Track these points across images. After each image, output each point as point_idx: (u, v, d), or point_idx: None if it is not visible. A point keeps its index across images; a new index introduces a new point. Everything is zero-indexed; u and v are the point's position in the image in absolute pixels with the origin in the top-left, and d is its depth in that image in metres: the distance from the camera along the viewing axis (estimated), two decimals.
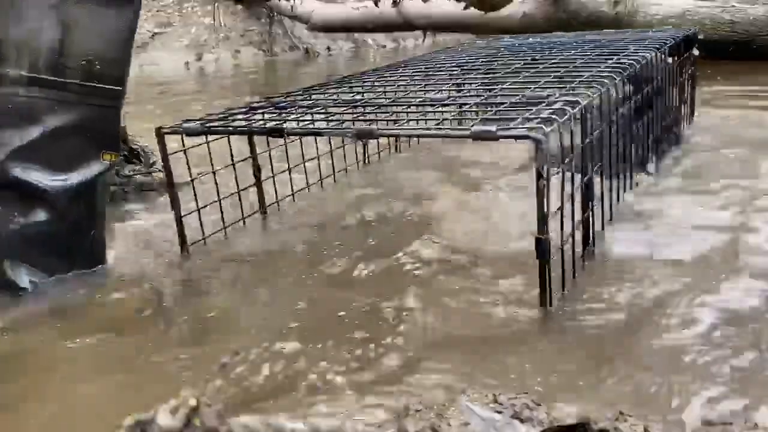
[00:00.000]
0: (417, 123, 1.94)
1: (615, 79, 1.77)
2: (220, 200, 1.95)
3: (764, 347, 1.20)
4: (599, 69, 1.90)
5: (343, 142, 2.36)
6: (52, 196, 1.65)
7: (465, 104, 1.78)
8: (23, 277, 1.65)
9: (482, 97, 1.76)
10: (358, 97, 1.90)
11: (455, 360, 1.23)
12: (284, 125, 1.68)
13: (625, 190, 1.96)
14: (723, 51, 4.44)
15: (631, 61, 1.96)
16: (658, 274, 1.52)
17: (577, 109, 1.50)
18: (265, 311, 1.51)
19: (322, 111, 1.81)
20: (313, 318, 1.44)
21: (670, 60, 2.26)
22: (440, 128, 1.55)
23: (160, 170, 2.26)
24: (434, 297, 1.48)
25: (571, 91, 1.66)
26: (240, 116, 1.81)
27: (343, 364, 1.22)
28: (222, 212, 1.94)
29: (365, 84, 2.14)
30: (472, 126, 1.41)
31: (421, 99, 1.82)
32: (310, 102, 1.90)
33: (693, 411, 1.04)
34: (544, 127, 1.35)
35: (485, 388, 1.08)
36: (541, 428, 0.81)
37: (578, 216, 1.54)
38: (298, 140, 2.24)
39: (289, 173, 2.20)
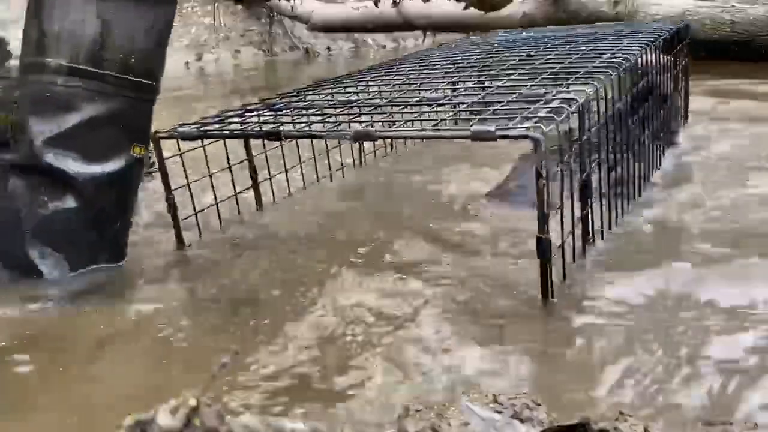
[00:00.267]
0: (414, 124, 1.93)
1: (611, 75, 1.76)
2: (217, 204, 1.94)
3: None
4: (594, 65, 1.89)
5: (339, 143, 2.35)
6: (82, 184, 1.67)
7: (462, 104, 1.78)
8: (46, 264, 1.67)
9: (479, 96, 1.76)
10: (354, 97, 1.90)
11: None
12: (281, 128, 1.68)
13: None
14: (723, 51, 4.43)
15: (626, 56, 1.96)
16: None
17: (575, 106, 1.50)
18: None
19: (318, 113, 1.81)
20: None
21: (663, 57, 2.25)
22: (438, 129, 1.55)
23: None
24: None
25: (566, 89, 1.66)
26: (235, 119, 1.81)
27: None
28: (219, 215, 1.94)
29: (360, 84, 2.13)
30: (471, 126, 1.41)
31: (417, 99, 1.82)
32: (306, 103, 1.90)
33: (693, 411, 1.04)
34: (542, 126, 1.35)
35: (485, 389, 1.08)
36: (541, 428, 0.81)
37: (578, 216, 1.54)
38: (294, 141, 2.24)
39: (286, 174, 2.19)
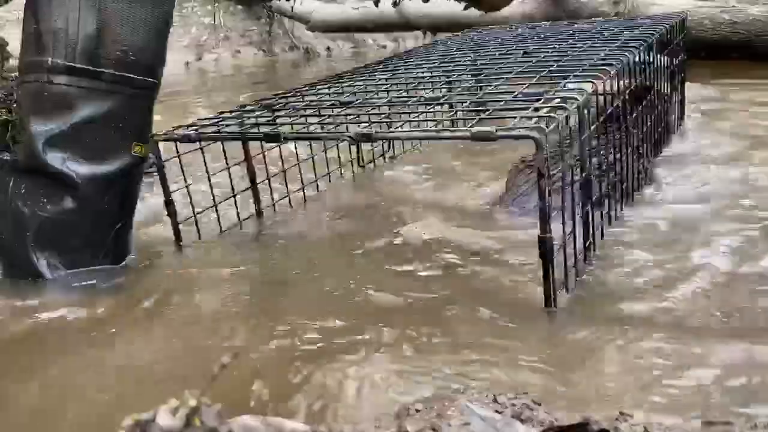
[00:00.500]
0: (417, 124, 1.93)
1: (610, 72, 1.76)
2: (216, 205, 1.94)
3: None
4: (592, 62, 1.89)
5: (337, 143, 2.34)
6: (81, 184, 1.66)
7: (462, 103, 1.78)
8: (46, 266, 1.66)
9: (478, 96, 1.75)
10: (352, 98, 1.89)
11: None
12: (279, 129, 1.67)
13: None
14: (723, 51, 4.43)
15: (624, 52, 1.96)
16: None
17: (575, 106, 1.50)
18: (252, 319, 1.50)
19: (316, 114, 1.80)
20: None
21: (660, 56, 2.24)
22: (438, 130, 1.55)
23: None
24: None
25: (566, 87, 1.65)
26: (233, 120, 1.80)
27: None
28: (219, 217, 1.94)
29: (357, 83, 2.13)
30: (471, 127, 1.41)
31: (416, 99, 1.81)
32: (304, 104, 1.89)
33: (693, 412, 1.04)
34: (543, 126, 1.35)
35: (486, 389, 1.08)
36: (541, 428, 0.81)
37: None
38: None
39: (284, 176, 2.19)
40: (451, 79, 2.12)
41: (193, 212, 1.89)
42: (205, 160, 1.91)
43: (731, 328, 1.29)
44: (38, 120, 1.65)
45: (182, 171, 1.85)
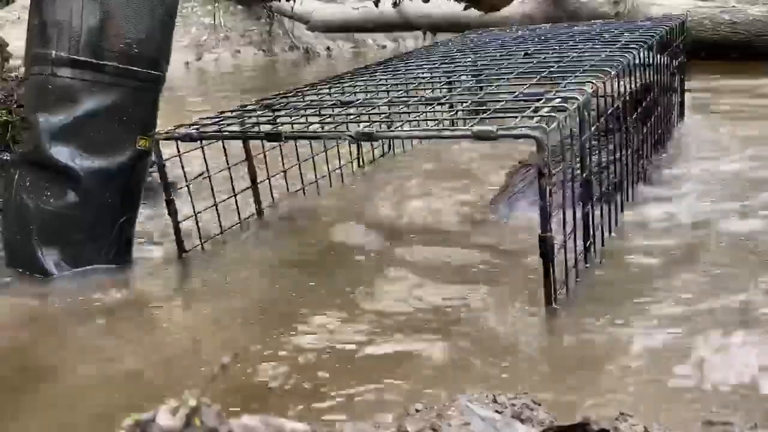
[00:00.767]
0: (416, 124, 1.93)
1: (610, 72, 1.76)
2: (216, 204, 1.94)
3: None
4: (593, 63, 1.89)
5: (337, 142, 2.34)
6: (85, 178, 1.66)
7: (462, 103, 1.78)
8: (50, 261, 1.66)
9: (479, 95, 1.75)
10: (352, 97, 1.89)
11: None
12: (280, 128, 1.67)
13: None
14: (723, 51, 4.43)
15: (625, 53, 1.96)
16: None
17: (575, 106, 1.50)
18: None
19: (317, 113, 1.80)
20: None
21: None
22: (439, 129, 1.55)
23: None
24: None
25: (567, 87, 1.66)
26: (234, 120, 1.80)
27: None
28: (219, 216, 1.94)
29: (357, 83, 2.13)
30: (472, 126, 1.41)
31: (416, 99, 1.81)
32: (305, 104, 1.89)
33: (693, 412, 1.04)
34: (545, 125, 1.35)
35: (487, 388, 1.08)
36: (541, 428, 0.81)
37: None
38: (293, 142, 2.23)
39: (285, 176, 2.19)
40: (451, 79, 2.12)
41: (194, 211, 1.88)
42: (205, 159, 1.91)
43: (734, 327, 1.29)
44: (43, 113, 1.64)
45: (184, 172, 1.85)
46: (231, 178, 1.99)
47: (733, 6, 4.54)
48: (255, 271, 1.75)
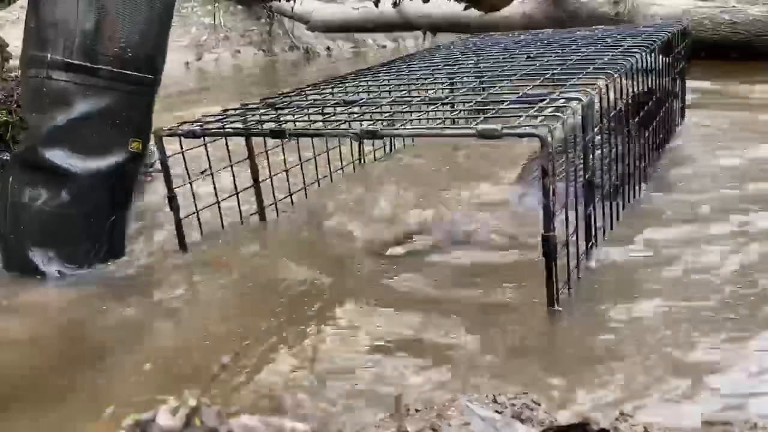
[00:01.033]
0: (418, 122, 1.93)
1: (613, 74, 1.76)
2: (218, 202, 1.94)
3: None
4: (596, 66, 1.89)
5: (339, 141, 2.34)
6: (79, 179, 1.67)
7: (466, 103, 1.78)
8: (45, 263, 1.67)
9: (482, 96, 1.75)
10: (355, 97, 1.89)
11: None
12: (284, 126, 1.67)
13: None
14: (723, 51, 4.43)
15: (627, 57, 1.96)
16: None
17: (580, 105, 1.50)
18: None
19: (320, 112, 1.80)
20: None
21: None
22: (442, 127, 1.54)
23: (158, 170, 2.25)
24: None
25: (571, 88, 1.66)
26: (237, 118, 1.80)
27: None
28: (221, 214, 1.94)
29: (360, 83, 2.12)
30: (477, 124, 1.41)
31: (420, 99, 1.81)
32: (308, 102, 1.90)
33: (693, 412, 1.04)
34: (549, 124, 1.35)
35: (488, 388, 1.08)
36: (541, 428, 0.81)
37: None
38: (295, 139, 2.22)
39: (287, 175, 2.18)
40: (454, 80, 2.13)
41: (196, 208, 1.89)
42: (208, 156, 1.91)
43: (735, 326, 1.29)
44: (38, 114, 1.65)
45: (186, 170, 1.85)
46: (233, 176, 1.99)
47: (733, 6, 4.53)
48: (255, 268, 1.75)
